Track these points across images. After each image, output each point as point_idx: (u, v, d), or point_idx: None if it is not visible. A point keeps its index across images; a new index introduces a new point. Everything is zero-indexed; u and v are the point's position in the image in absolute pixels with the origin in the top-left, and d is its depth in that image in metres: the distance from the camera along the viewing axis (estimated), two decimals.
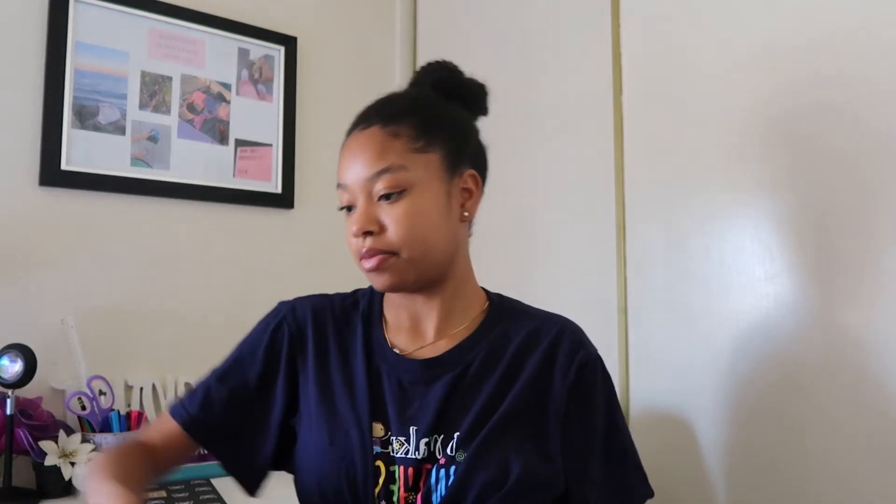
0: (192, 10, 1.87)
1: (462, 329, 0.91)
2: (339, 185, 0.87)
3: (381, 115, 0.87)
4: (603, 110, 1.56)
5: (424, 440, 0.84)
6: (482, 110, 0.98)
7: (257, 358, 0.94)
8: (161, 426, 0.95)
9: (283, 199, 1.98)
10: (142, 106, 1.79)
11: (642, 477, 0.95)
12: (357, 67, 2.14)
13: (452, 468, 0.82)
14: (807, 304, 1.19)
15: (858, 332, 1.12)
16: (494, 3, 1.90)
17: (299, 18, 2.06)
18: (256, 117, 1.96)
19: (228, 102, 1.92)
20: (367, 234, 0.83)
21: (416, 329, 0.92)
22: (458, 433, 0.84)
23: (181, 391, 1.70)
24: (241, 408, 0.93)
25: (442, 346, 0.90)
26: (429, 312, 0.91)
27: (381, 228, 0.83)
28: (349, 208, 0.87)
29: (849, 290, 1.14)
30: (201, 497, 1.40)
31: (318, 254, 1.98)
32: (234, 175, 1.91)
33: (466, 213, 0.90)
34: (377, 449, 0.85)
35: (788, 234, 1.23)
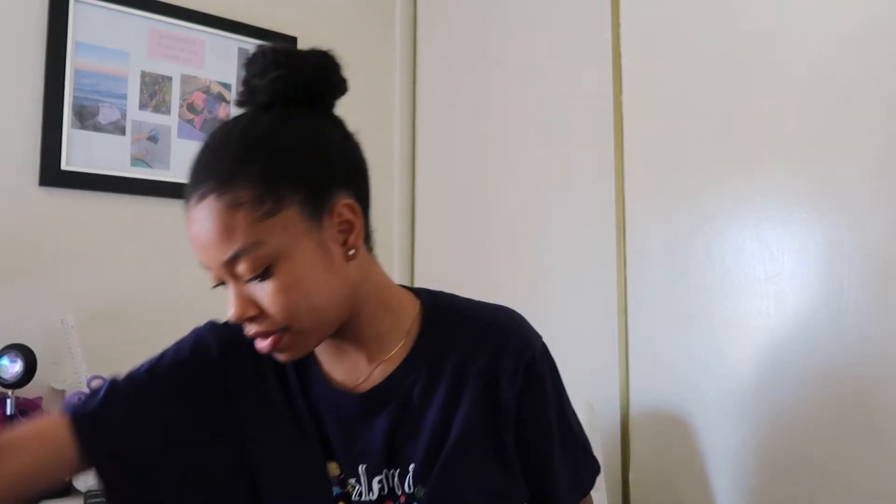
0: (192, 10, 1.87)
1: (397, 351, 0.82)
2: (200, 263, 0.76)
3: (213, 175, 0.72)
4: (603, 110, 1.56)
5: (377, 478, 0.79)
6: (338, 91, 0.82)
7: (178, 366, 0.83)
8: (37, 422, 0.77)
9: None
10: (142, 106, 1.79)
11: (591, 456, 0.91)
12: (357, 67, 2.12)
13: None
14: (807, 303, 1.19)
15: (862, 332, 1.12)
16: (494, 3, 1.90)
17: (299, 18, 2.06)
18: None
19: (228, 102, 1.92)
20: (248, 318, 0.74)
21: (348, 361, 0.83)
22: (413, 465, 0.79)
23: None
24: (146, 418, 0.79)
25: (379, 375, 0.82)
26: (354, 345, 0.82)
27: (261, 310, 0.73)
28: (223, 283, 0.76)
29: (850, 289, 1.14)
30: None
31: None
32: None
33: (352, 251, 0.77)
34: (337, 490, 0.79)
35: (788, 233, 1.23)
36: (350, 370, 0.83)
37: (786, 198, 1.23)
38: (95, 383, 1.56)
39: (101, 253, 1.71)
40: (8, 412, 1.40)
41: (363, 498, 0.78)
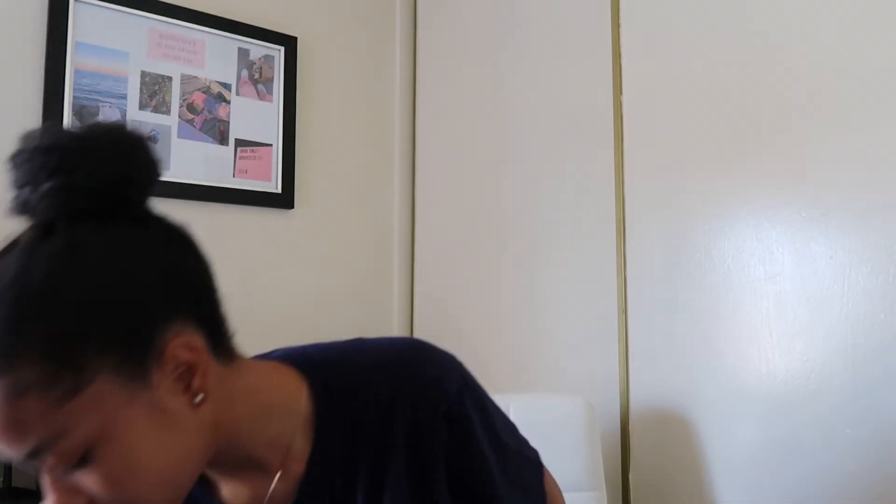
0: (192, 10, 1.87)
1: (299, 447, 0.69)
2: None
3: None
4: (603, 110, 1.56)
5: None
6: (146, 186, 0.63)
7: None
8: None
9: (283, 199, 1.98)
10: (142, 106, 1.79)
11: (533, 464, 0.82)
12: (357, 67, 2.13)
13: None
14: (807, 303, 1.19)
15: (862, 330, 1.12)
16: (494, 3, 1.90)
17: (299, 18, 2.06)
18: (256, 117, 1.96)
19: (228, 102, 1.92)
20: None
21: (248, 477, 0.69)
22: None
23: None
24: None
25: (291, 481, 0.68)
26: (248, 462, 0.68)
27: (90, 497, 0.56)
28: None
29: (850, 289, 1.14)
30: None
31: (319, 253, 1.98)
32: (233, 175, 1.91)
33: (200, 397, 0.59)
34: None
35: (788, 233, 1.23)
36: (255, 485, 0.69)
37: (786, 198, 1.23)
38: None
39: None
40: None
41: None
